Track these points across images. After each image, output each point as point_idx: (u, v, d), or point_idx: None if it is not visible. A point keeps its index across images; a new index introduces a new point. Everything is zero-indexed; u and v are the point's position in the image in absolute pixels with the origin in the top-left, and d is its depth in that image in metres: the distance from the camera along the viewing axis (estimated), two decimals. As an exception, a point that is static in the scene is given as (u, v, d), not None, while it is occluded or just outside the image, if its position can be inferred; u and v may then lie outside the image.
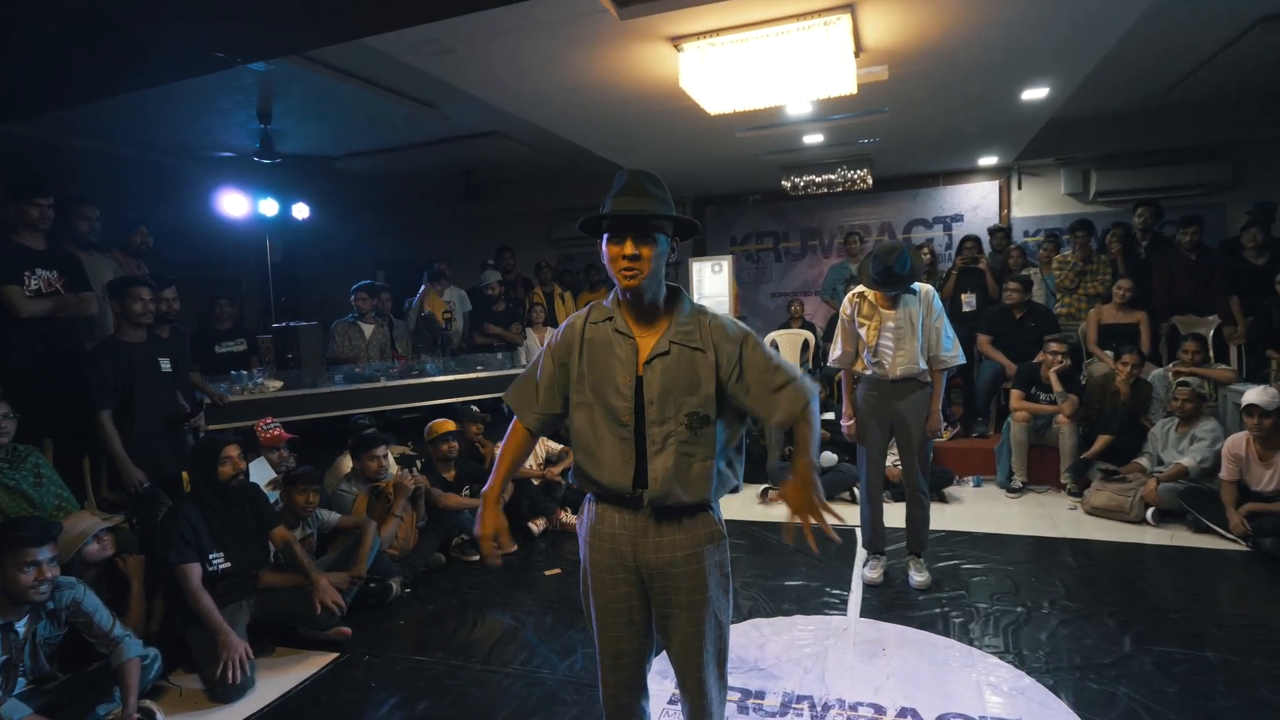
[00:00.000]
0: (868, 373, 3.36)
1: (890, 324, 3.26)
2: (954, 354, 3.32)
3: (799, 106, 4.87)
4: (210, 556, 2.79)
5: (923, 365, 3.29)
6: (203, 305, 5.13)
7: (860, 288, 3.40)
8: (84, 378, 3.09)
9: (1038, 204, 7.54)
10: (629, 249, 1.56)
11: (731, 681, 2.57)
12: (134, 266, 4.03)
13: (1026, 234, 7.40)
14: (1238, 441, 3.98)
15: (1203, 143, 6.66)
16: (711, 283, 7.26)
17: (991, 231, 6.76)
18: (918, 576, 3.42)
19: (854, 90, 3.99)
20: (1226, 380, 4.77)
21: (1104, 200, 7.11)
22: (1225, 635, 2.88)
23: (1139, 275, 5.52)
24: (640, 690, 1.75)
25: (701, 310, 1.69)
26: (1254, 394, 3.89)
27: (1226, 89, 5.39)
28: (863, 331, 3.32)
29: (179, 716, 2.56)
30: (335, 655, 2.95)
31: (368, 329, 5.23)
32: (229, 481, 2.85)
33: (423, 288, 5.91)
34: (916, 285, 3.30)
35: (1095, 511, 4.41)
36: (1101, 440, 4.71)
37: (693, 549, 1.65)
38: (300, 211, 6.13)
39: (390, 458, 3.93)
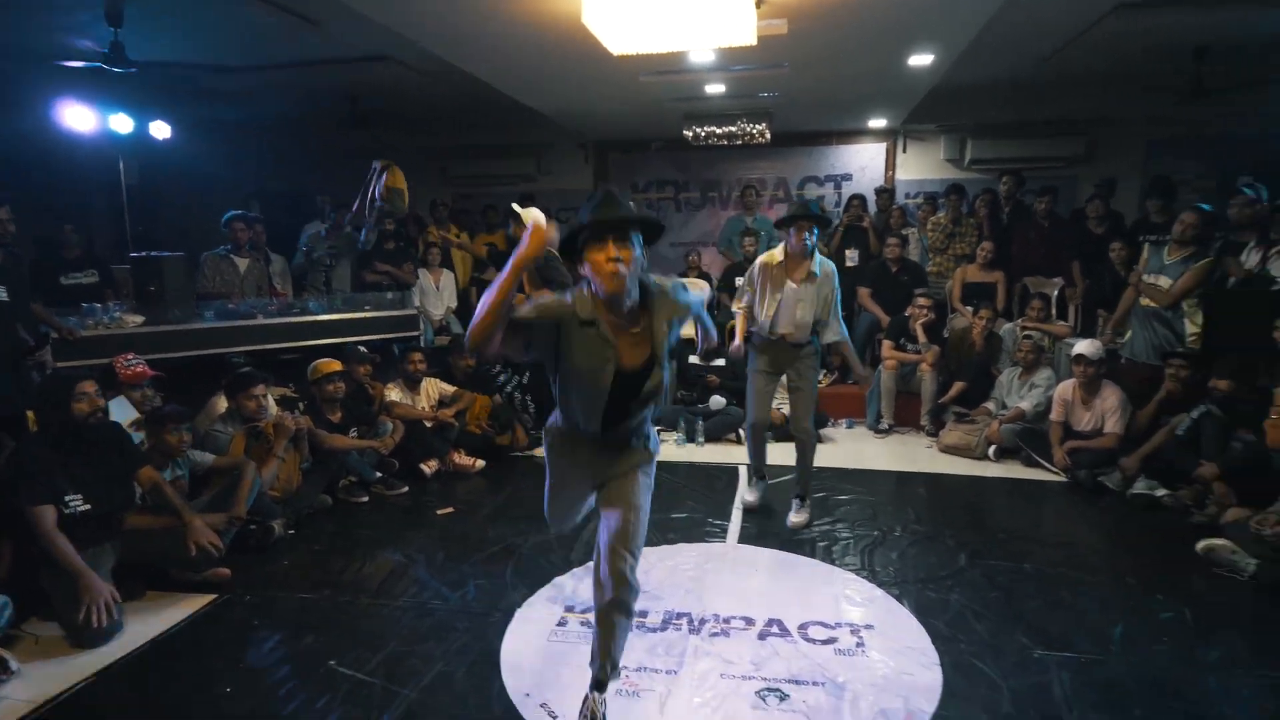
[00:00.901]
0: (771, 337, 3.53)
1: (792, 295, 3.45)
2: (836, 329, 3.55)
3: (701, 54, 4.94)
4: (67, 499, 2.65)
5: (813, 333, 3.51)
6: (43, 231, 4.66)
7: (768, 255, 3.55)
8: None
9: (920, 167, 8.05)
10: (611, 251, 1.83)
11: None
12: None
13: (908, 196, 7.92)
14: (1066, 387, 4.57)
15: (1062, 118, 7.31)
16: (610, 229, 7.34)
17: (878, 192, 7.21)
18: (795, 518, 3.69)
19: (754, 42, 4.10)
20: (1063, 335, 5.41)
21: (977, 167, 7.70)
22: (1041, 551, 3.38)
23: (1001, 239, 6.08)
24: (576, 520, 2.44)
25: (660, 292, 2.00)
26: (1082, 345, 4.46)
27: (1086, 69, 5.92)
28: (764, 300, 3.49)
29: (37, 664, 2.46)
30: (213, 597, 2.91)
31: (242, 263, 4.93)
32: (85, 419, 2.69)
33: (378, 167, 5.27)
34: (820, 262, 3.49)
35: (947, 449, 4.95)
36: (957, 387, 5.25)
37: (631, 466, 2.14)
38: (159, 130, 5.59)
39: (270, 398, 3.81)
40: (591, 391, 1.99)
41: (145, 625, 2.71)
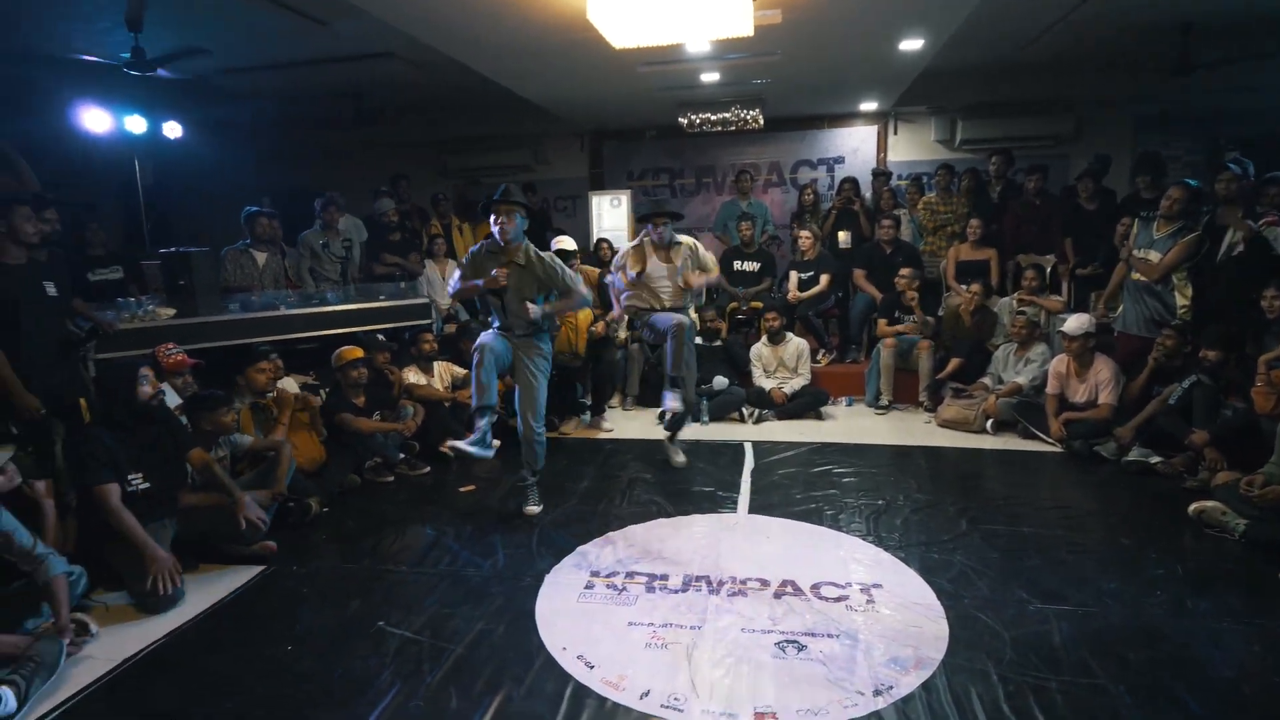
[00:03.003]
0: (642, 305, 4.27)
1: (662, 271, 4.21)
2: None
3: (698, 45, 5.08)
4: (129, 477, 2.82)
5: (685, 301, 4.30)
6: (67, 230, 4.79)
7: (635, 243, 4.30)
8: None
9: (911, 149, 8.19)
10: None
11: (638, 568, 3.05)
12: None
13: (900, 177, 8.05)
14: (1060, 361, 4.75)
15: (1051, 98, 7.45)
16: (610, 216, 7.48)
17: (875, 174, 7.33)
18: (676, 458, 4.34)
19: (751, 32, 4.24)
20: (1056, 309, 5.57)
21: (968, 147, 7.83)
22: (1038, 515, 3.55)
23: (992, 217, 6.23)
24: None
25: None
26: (1069, 322, 4.64)
27: (1071, 49, 6.07)
28: (633, 274, 4.24)
29: (111, 629, 2.65)
30: (262, 568, 3.11)
31: (260, 257, 5.07)
32: (149, 403, 2.87)
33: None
34: (680, 238, 4.26)
35: (945, 424, 5.12)
36: (953, 363, 5.42)
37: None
38: (172, 130, 5.72)
39: (279, 373, 3.99)
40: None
41: (203, 594, 2.90)
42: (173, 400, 3.46)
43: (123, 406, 2.87)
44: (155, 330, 3.90)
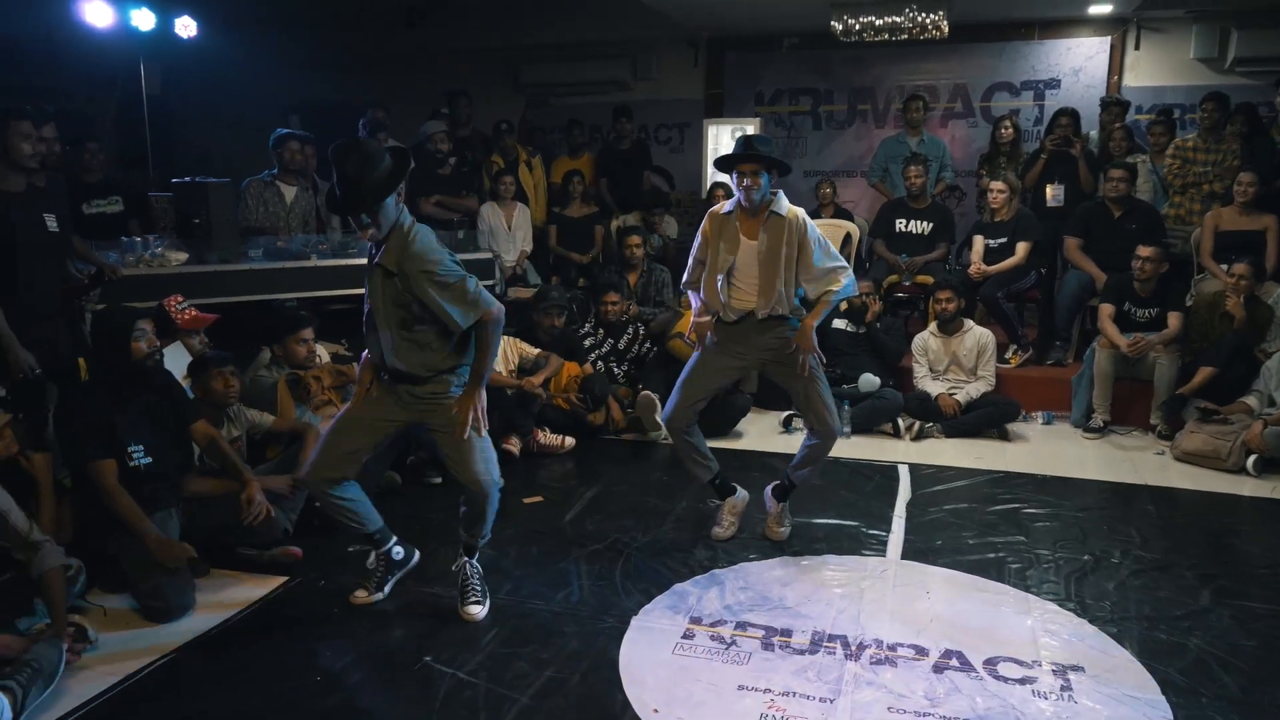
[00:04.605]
0: (729, 317, 3.52)
1: (751, 254, 3.43)
2: (837, 282, 3.46)
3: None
4: (130, 449, 3.10)
5: (787, 305, 3.48)
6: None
7: (721, 207, 3.56)
8: None
9: (1158, 70, 7.82)
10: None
11: (752, 618, 3.14)
12: None
13: (1141, 110, 7.71)
14: (1365, 378, 4.49)
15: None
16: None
17: (1105, 104, 7.05)
18: (778, 528, 3.81)
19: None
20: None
21: (1245, 70, 7.41)
22: (1321, 593, 3.40)
23: (1274, 171, 5.88)
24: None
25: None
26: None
27: None
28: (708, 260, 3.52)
29: (111, 636, 2.91)
30: (284, 579, 3.36)
31: (289, 191, 5.39)
32: (144, 361, 3.13)
33: None
34: (784, 207, 3.44)
35: (1186, 457, 4.95)
36: (1203, 373, 5.18)
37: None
38: (185, 28, 6.13)
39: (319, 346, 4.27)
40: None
41: (216, 605, 3.16)
42: (181, 363, 3.76)
43: (118, 364, 3.11)
44: (164, 279, 4.25)
